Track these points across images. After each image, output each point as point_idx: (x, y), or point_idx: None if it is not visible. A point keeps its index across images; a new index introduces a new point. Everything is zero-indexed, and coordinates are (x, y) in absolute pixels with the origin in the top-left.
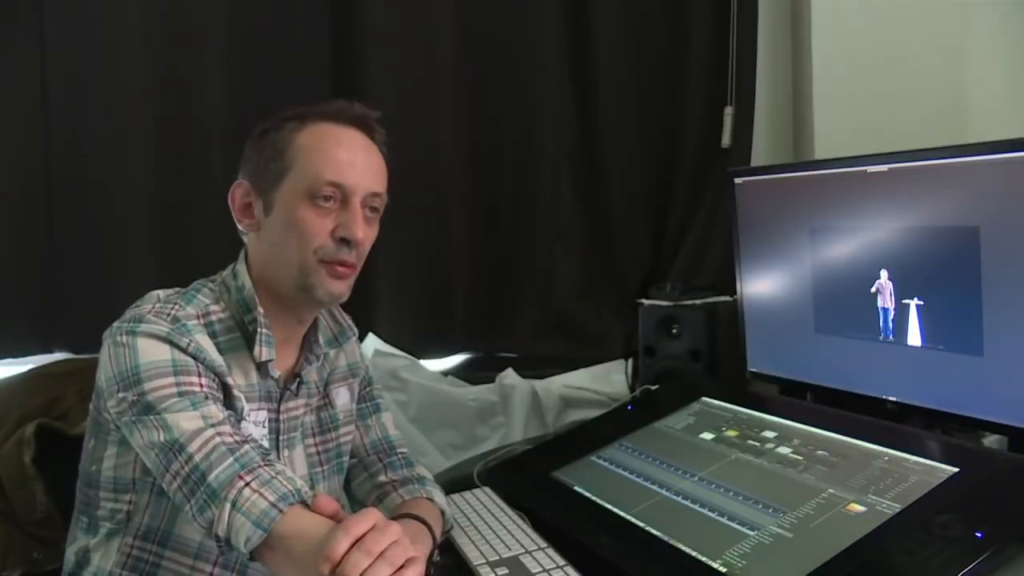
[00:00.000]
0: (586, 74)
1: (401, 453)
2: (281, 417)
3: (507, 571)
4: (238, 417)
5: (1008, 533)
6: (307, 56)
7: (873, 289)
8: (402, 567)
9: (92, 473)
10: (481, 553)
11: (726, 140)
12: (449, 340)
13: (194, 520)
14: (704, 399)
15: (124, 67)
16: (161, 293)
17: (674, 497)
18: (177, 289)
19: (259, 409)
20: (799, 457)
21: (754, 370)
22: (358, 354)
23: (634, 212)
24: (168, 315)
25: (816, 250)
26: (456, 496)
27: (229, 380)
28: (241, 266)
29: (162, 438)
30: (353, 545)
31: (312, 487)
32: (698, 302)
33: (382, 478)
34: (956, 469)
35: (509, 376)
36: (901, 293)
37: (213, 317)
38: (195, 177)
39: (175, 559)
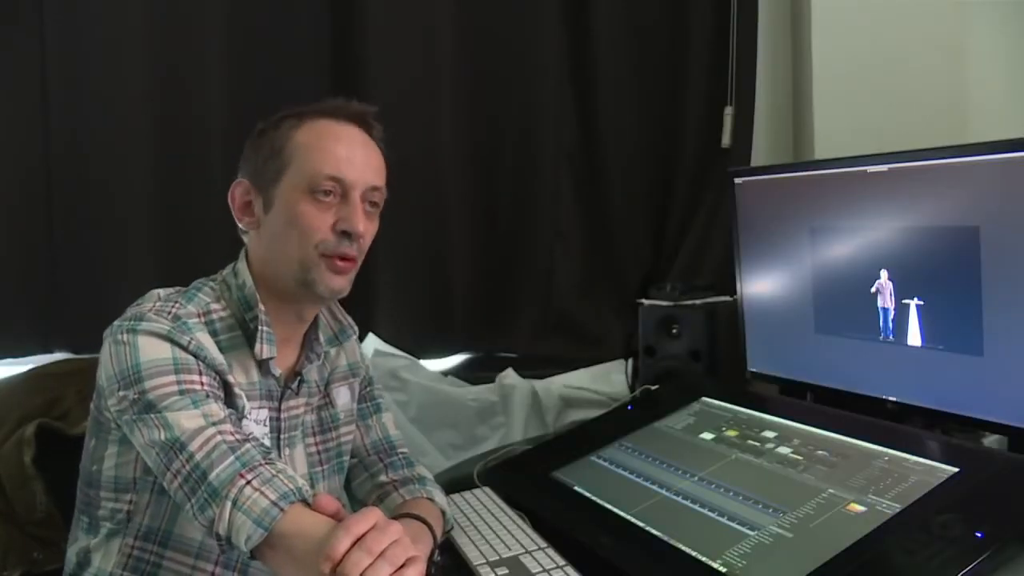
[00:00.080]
0: (586, 74)
1: (402, 453)
2: (282, 416)
3: (507, 571)
4: (239, 415)
5: (1008, 533)
6: (307, 56)
7: (873, 289)
8: (403, 566)
9: (93, 473)
10: (481, 553)
11: (726, 140)
12: (449, 340)
13: (195, 519)
14: (704, 399)
15: (124, 67)
16: (162, 292)
17: (674, 497)
18: (178, 288)
19: (260, 408)
20: (799, 457)
21: (754, 370)
22: (358, 354)
23: (634, 212)
24: (169, 313)
25: (816, 250)
26: (456, 496)
27: (230, 378)
28: (242, 264)
29: (163, 436)
30: (354, 544)
31: (312, 486)
32: (698, 302)
33: (383, 478)
34: (956, 469)
35: (509, 376)
36: (901, 293)
37: (214, 315)
38: (195, 177)
39: (176, 559)
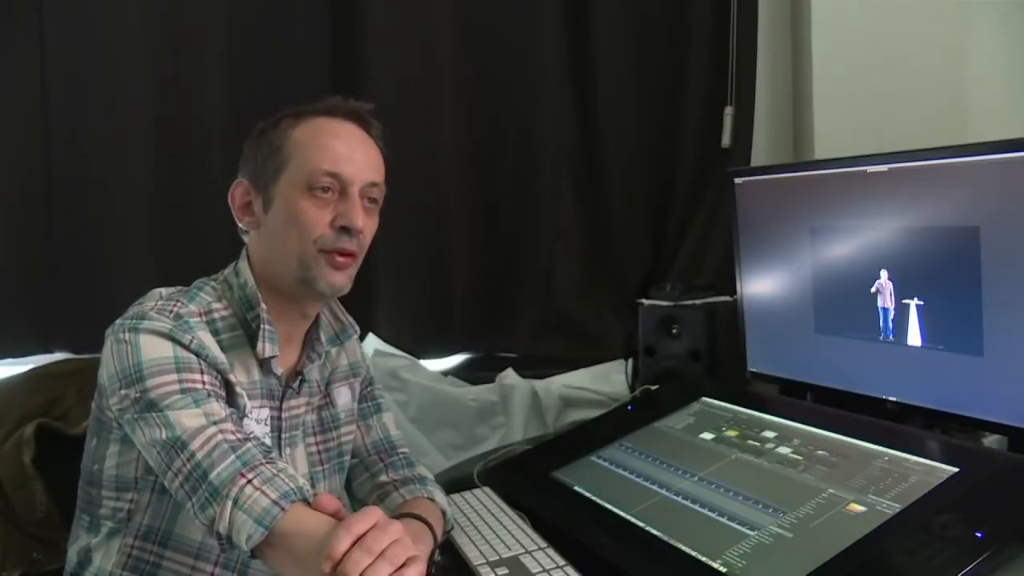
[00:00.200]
0: (586, 74)
1: (402, 453)
2: (283, 415)
3: (507, 571)
4: (240, 414)
5: (1008, 533)
6: (307, 56)
7: (873, 289)
8: (403, 566)
9: (94, 472)
10: (481, 553)
11: (726, 140)
12: (449, 340)
13: (196, 518)
14: (704, 399)
15: (124, 67)
16: (163, 291)
17: (674, 497)
18: (180, 287)
19: (261, 407)
20: (799, 457)
21: (754, 370)
22: (359, 353)
23: (634, 212)
24: (171, 312)
25: (816, 250)
26: (456, 496)
27: (231, 377)
28: (243, 264)
29: (164, 435)
30: (354, 543)
31: (313, 486)
32: (698, 302)
33: (383, 478)
34: (956, 469)
35: (509, 376)
36: (901, 293)
37: (215, 315)
38: (195, 177)
39: (176, 559)
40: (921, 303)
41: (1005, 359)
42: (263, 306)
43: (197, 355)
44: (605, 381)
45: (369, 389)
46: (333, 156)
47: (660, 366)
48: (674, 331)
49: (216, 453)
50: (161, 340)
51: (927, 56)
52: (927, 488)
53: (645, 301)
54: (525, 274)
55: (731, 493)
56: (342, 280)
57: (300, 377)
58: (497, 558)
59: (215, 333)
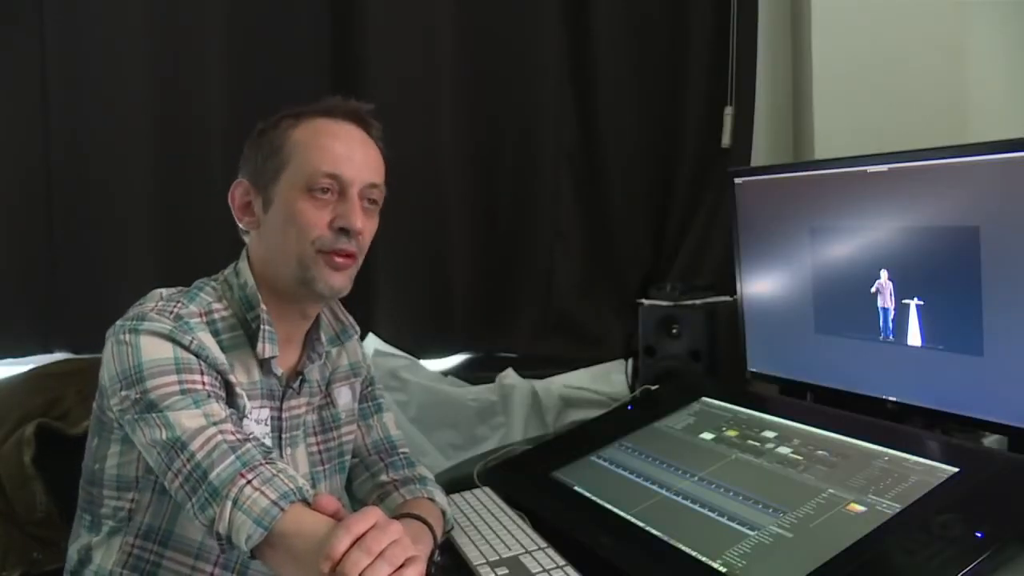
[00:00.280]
0: (586, 74)
1: (403, 453)
2: (283, 415)
3: (507, 571)
4: (240, 415)
5: (1008, 533)
6: (307, 56)
7: (873, 289)
8: (402, 566)
9: (95, 471)
10: (481, 553)
11: (726, 140)
12: (449, 340)
13: (195, 518)
14: (704, 399)
15: (124, 67)
16: (164, 291)
17: (674, 497)
18: (180, 288)
19: (261, 407)
20: (799, 457)
21: (754, 370)
22: (360, 353)
23: (634, 212)
24: (171, 313)
25: (816, 250)
26: (456, 496)
27: (231, 377)
28: (243, 264)
29: (164, 436)
30: (353, 544)
31: (313, 486)
32: (698, 302)
33: (383, 478)
34: (956, 469)
35: (509, 376)
36: (901, 293)
37: (216, 315)
38: (195, 177)
39: (176, 559)
40: (921, 303)
41: (1005, 359)
42: (263, 306)
43: (197, 356)
44: (605, 381)
45: (370, 389)
46: (332, 157)
47: (660, 366)
48: (674, 331)
49: (216, 454)
50: (161, 341)
51: (927, 56)
52: (927, 488)
53: (645, 301)
54: (525, 274)
55: (731, 493)
56: (341, 282)
57: (300, 377)
58: (497, 558)
59: (215, 334)
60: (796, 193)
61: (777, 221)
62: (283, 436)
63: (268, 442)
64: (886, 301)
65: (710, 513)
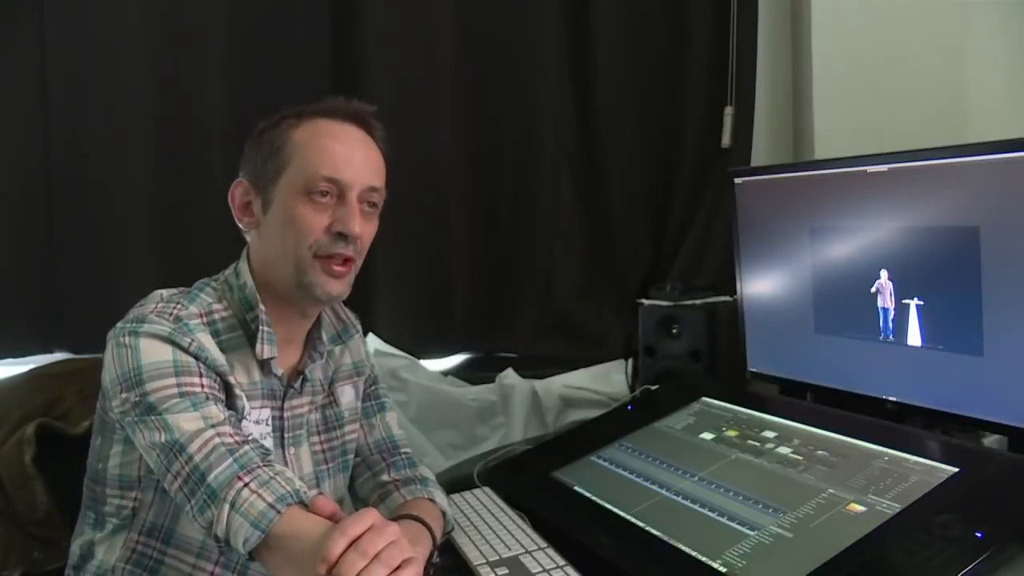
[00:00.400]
0: (586, 74)
1: (405, 453)
2: (285, 415)
3: (507, 571)
4: (239, 416)
5: (1008, 533)
6: (307, 56)
7: (873, 289)
8: (398, 568)
9: (99, 470)
10: (481, 553)
11: (726, 140)
12: (449, 340)
13: (195, 520)
14: (704, 399)
15: (124, 67)
16: (164, 292)
17: (674, 497)
18: (181, 288)
19: (261, 407)
20: (799, 457)
21: (754, 370)
22: (363, 352)
23: (634, 212)
24: (171, 315)
25: (816, 250)
26: (456, 496)
27: (231, 379)
28: (243, 264)
29: (163, 439)
30: (349, 546)
31: (317, 485)
32: (698, 302)
33: (385, 477)
34: (956, 469)
35: (509, 376)
36: (901, 293)
37: (216, 316)
38: (195, 177)
39: (178, 556)
40: (921, 303)
41: (1005, 359)
42: (262, 307)
43: (196, 358)
44: (605, 381)
45: (373, 388)
46: (332, 160)
47: (660, 366)
48: (674, 331)
49: (213, 456)
50: (160, 344)
51: (927, 56)
52: (927, 488)
53: (645, 301)
54: (525, 274)
55: (731, 493)
56: (340, 288)
57: (302, 376)
58: (497, 558)
59: (215, 334)
60: (796, 193)
61: (777, 221)
62: (286, 436)
63: (268, 443)
64: (886, 301)
65: (710, 513)
